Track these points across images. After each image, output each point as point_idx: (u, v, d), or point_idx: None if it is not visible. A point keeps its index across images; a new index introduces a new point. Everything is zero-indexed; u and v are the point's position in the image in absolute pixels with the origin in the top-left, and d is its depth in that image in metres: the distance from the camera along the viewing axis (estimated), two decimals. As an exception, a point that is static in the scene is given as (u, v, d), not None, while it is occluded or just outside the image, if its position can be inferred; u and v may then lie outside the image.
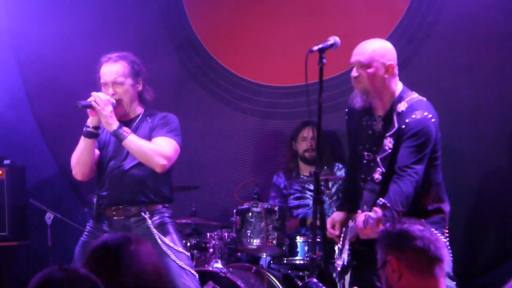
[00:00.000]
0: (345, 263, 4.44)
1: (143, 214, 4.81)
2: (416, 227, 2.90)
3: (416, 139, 4.27)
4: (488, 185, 6.00)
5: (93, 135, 4.80)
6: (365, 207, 4.33)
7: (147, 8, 6.99)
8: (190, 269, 4.82)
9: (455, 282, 4.33)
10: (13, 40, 7.10)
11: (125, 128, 4.76)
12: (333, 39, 4.29)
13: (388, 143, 4.34)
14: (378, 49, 4.42)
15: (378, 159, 4.35)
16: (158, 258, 2.82)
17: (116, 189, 4.84)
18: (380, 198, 4.04)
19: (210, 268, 5.41)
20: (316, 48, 4.21)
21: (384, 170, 4.32)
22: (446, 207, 4.44)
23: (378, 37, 4.60)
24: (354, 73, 4.44)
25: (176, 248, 4.79)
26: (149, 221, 4.78)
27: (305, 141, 6.16)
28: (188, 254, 4.94)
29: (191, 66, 6.95)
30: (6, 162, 6.58)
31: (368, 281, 4.32)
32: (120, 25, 6.94)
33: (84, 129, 4.80)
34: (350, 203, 4.70)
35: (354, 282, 4.51)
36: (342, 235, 4.62)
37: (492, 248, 6.00)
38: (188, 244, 5.69)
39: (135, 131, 4.85)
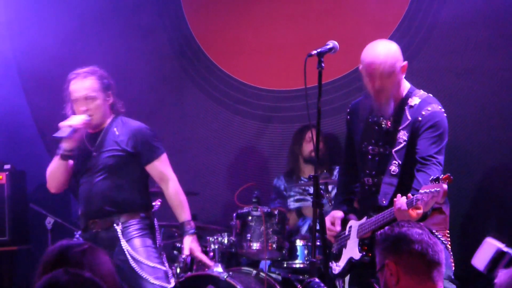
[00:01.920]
0: (354, 259, 4.42)
1: (115, 225, 4.81)
2: (415, 231, 2.90)
3: (435, 130, 4.30)
4: (489, 186, 6.00)
5: (67, 157, 4.89)
6: (383, 200, 4.35)
7: (146, 12, 7.00)
8: (161, 284, 4.77)
9: (455, 285, 4.34)
10: (13, 46, 7.12)
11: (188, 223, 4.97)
12: (332, 43, 4.29)
13: (403, 135, 4.36)
14: (392, 53, 4.37)
15: (393, 152, 4.37)
16: (113, 265, 2.76)
17: (87, 203, 4.89)
18: (433, 176, 3.97)
19: (210, 272, 5.41)
20: (314, 52, 4.21)
21: (400, 162, 4.34)
22: (447, 208, 4.45)
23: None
24: (377, 86, 4.35)
25: (147, 263, 4.74)
26: (120, 234, 4.76)
27: (311, 142, 6.14)
28: (163, 268, 4.85)
29: (190, 71, 6.96)
30: (7, 166, 6.58)
31: (367, 283, 4.33)
32: (119, 31, 6.96)
33: (58, 151, 4.88)
34: (346, 204, 4.70)
35: (353, 284, 4.52)
36: (338, 240, 4.62)
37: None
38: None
39: (100, 146, 4.89)
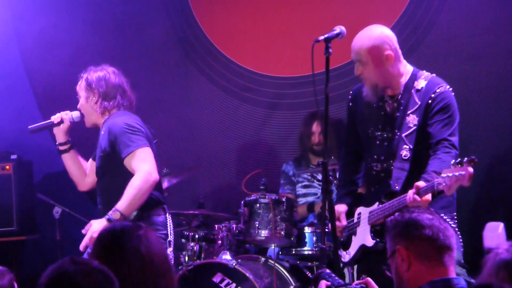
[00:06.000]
0: (367, 246, 4.40)
1: None
2: (425, 216, 2.88)
3: (446, 111, 4.32)
4: (498, 170, 5.99)
5: (61, 151, 5.01)
6: (396, 185, 4.32)
7: (150, 1, 6.98)
8: None
9: (465, 270, 4.32)
10: (18, 38, 7.09)
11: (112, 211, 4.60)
12: (339, 29, 4.26)
13: (412, 120, 4.35)
14: (371, 42, 4.37)
15: (403, 137, 4.35)
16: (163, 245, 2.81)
17: (98, 196, 4.92)
18: (454, 160, 3.95)
19: (219, 260, 5.42)
20: (322, 37, 4.19)
21: (411, 146, 4.32)
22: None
23: (384, 25, 4.56)
24: (356, 71, 4.44)
25: None
26: None
27: (313, 136, 6.14)
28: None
29: (196, 58, 6.94)
30: (13, 157, 6.57)
31: (377, 271, 4.31)
32: (125, 20, 6.93)
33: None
34: (349, 196, 4.67)
35: (362, 271, 4.50)
36: (347, 227, 4.60)
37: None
38: (197, 236, 5.69)
39: (98, 147, 4.86)
